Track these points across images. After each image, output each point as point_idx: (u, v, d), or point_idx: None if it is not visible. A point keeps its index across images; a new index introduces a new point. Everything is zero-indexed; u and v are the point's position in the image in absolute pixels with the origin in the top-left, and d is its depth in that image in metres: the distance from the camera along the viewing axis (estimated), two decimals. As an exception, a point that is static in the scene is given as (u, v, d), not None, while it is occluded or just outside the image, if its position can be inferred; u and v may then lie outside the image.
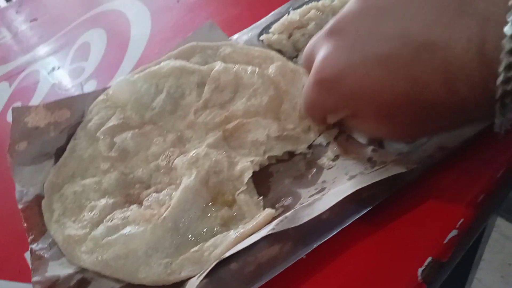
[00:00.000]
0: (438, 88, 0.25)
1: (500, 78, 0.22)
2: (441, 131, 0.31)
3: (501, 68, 0.21)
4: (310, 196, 0.35)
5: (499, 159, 0.34)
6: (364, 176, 0.33)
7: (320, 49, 0.33)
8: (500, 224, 1.23)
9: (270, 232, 0.30)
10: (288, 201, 0.36)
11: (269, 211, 0.34)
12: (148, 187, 0.41)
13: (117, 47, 0.63)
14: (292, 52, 0.50)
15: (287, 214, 0.32)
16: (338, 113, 0.34)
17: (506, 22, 0.20)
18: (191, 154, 0.39)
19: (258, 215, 0.34)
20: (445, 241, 0.31)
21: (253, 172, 0.38)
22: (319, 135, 0.41)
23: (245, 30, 0.56)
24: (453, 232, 0.31)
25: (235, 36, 0.56)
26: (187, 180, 0.37)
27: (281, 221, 0.31)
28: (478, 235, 0.77)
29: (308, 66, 0.35)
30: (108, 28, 0.67)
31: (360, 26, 0.29)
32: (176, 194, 0.36)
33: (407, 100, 0.27)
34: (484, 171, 0.34)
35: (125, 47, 0.62)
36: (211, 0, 0.67)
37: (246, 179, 0.37)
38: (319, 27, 0.49)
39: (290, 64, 0.46)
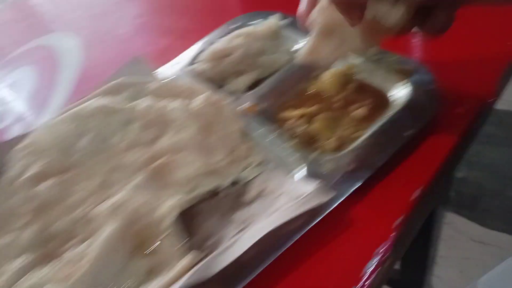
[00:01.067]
0: None
1: None
2: None
3: None
4: (232, 236, 0.35)
5: (411, 185, 0.35)
6: (283, 211, 0.33)
7: None
8: (453, 220, 1.27)
9: (187, 282, 0.30)
10: (213, 241, 0.35)
11: (189, 259, 0.33)
12: (70, 239, 0.38)
13: (46, 86, 0.60)
14: (220, 81, 0.50)
15: (204, 261, 0.32)
16: None
17: None
18: (111, 200, 0.38)
19: (179, 263, 0.33)
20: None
21: (180, 213, 0.38)
22: (246, 169, 0.40)
23: (174, 60, 0.55)
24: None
25: (164, 67, 0.55)
26: (105, 232, 0.35)
27: (198, 269, 0.30)
28: (427, 234, 0.79)
29: None
30: (37, 66, 0.65)
31: None
32: (95, 247, 0.35)
33: None
34: (400, 194, 0.35)
35: (54, 85, 0.60)
36: (142, 30, 0.66)
37: (168, 224, 0.36)
38: (244, 54, 0.49)
39: (215, 95, 0.46)
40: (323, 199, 0.32)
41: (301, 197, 0.33)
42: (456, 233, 1.24)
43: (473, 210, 1.28)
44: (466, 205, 1.29)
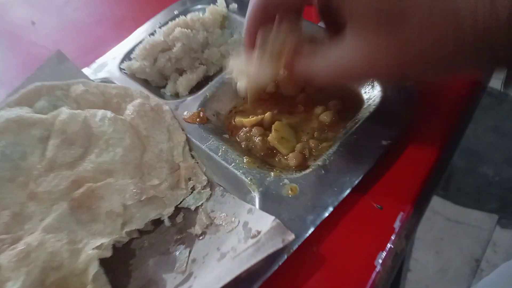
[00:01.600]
0: None
1: None
2: (435, 51, 0.23)
3: None
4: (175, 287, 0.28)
5: (393, 210, 0.29)
6: (234, 260, 0.26)
7: None
8: (428, 200, 1.25)
9: None
10: (151, 292, 0.28)
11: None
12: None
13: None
14: (159, 81, 0.42)
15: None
16: None
17: None
18: (20, 246, 0.30)
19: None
20: None
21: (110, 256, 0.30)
22: (191, 192, 0.33)
23: (106, 55, 0.46)
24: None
25: (94, 65, 0.46)
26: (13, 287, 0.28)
27: None
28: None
29: None
30: None
31: None
32: (-4, 314, 0.27)
33: None
34: (380, 222, 0.28)
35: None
36: (71, 19, 0.56)
37: (91, 275, 0.28)
38: (186, 48, 0.41)
39: (152, 100, 0.38)
40: (279, 243, 0.25)
41: (256, 239, 0.26)
42: (431, 214, 1.22)
43: (447, 189, 1.26)
44: (439, 185, 1.27)
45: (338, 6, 0.25)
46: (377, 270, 0.26)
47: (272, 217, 0.27)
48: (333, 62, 0.26)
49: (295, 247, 0.27)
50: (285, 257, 0.26)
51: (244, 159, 0.32)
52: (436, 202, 1.26)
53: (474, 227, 1.19)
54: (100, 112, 0.36)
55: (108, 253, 0.30)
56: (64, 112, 0.37)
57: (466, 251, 1.16)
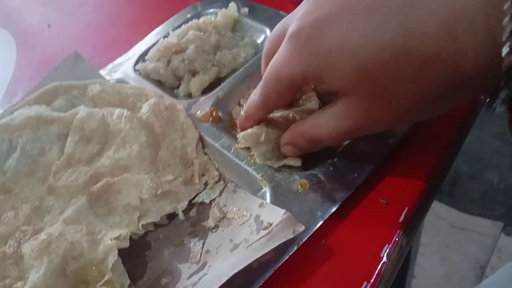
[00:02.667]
0: (433, 35, 0.21)
1: (506, 49, 0.19)
2: (426, 107, 0.25)
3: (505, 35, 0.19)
4: (189, 277, 0.29)
5: (399, 204, 0.30)
6: (247, 249, 0.27)
7: (301, 9, 0.27)
8: (433, 206, 1.25)
9: None
10: (167, 281, 0.30)
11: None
12: (-5, 283, 0.32)
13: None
14: (172, 82, 0.43)
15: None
16: (308, 78, 0.27)
17: None
18: (42, 236, 0.31)
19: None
20: None
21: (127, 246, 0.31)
22: (205, 188, 0.34)
23: (122, 57, 0.48)
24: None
25: (110, 66, 0.48)
26: (35, 276, 0.29)
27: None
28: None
29: (277, 42, 0.29)
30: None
31: None
32: (21, 297, 0.28)
33: (394, 53, 0.22)
34: (386, 216, 0.29)
35: (-18, 90, 0.52)
36: (86, 22, 0.58)
37: (110, 264, 0.29)
38: (199, 50, 0.42)
39: (166, 100, 0.39)
40: (290, 234, 0.26)
41: (267, 230, 0.27)
42: (436, 220, 1.22)
43: (452, 195, 1.26)
44: (444, 191, 1.27)
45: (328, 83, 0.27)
46: (383, 262, 0.27)
47: (283, 210, 0.28)
48: (333, 126, 0.28)
49: (305, 238, 0.28)
50: (295, 248, 0.27)
51: (255, 156, 0.33)
52: (441, 209, 1.26)
53: (479, 234, 1.20)
54: (117, 110, 0.38)
55: (126, 244, 0.31)
56: (83, 110, 0.39)
57: (471, 257, 1.16)
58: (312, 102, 0.34)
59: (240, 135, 0.33)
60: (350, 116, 0.27)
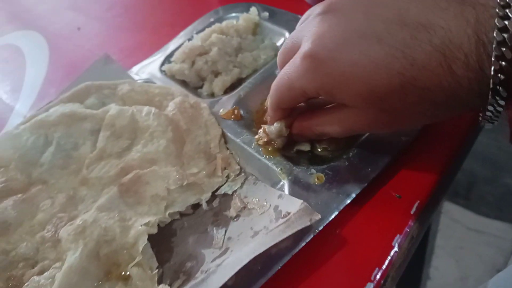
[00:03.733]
0: (436, 68, 0.24)
1: (494, 67, 0.23)
2: (425, 119, 0.30)
3: (494, 45, 0.22)
4: (213, 260, 0.31)
5: (411, 197, 0.32)
6: (267, 235, 0.29)
7: (312, 27, 0.29)
8: (449, 209, 1.25)
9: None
10: (191, 265, 0.32)
11: (162, 290, 0.29)
12: (35, 264, 0.35)
13: (10, 90, 0.55)
14: (196, 82, 0.46)
15: (184, 290, 0.28)
16: (320, 94, 0.30)
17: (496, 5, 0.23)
18: (77, 222, 0.34)
19: (151, 295, 0.29)
20: None
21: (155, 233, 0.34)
22: (227, 180, 0.37)
23: (148, 59, 0.51)
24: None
25: (137, 67, 0.50)
26: (72, 257, 0.32)
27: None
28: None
29: (288, 55, 0.31)
30: (0, 68, 0.60)
31: (357, 6, 0.28)
32: (58, 277, 0.31)
33: (403, 81, 0.25)
34: (398, 208, 0.31)
35: (19, 89, 0.55)
36: (113, 25, 0.61)
37: (141, 247, 0.32)
38: (222, 52, 0.45)
39: (191, 98, 0.42)
40: (307, 222, 0.28)
41: (286, 218, 0.29)
42: (451, 222, 1.22)
43: (468, 198, 1.26)
44: (460, 193, 1.27)
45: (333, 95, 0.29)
46: (395, 251, 0.29)
47: (301, 201, 0.30)
48: (339, 127, 0.31)
49: (321, 227, 0.30)
50: (312, 236, 0.29)
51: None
52: (457, 211, 1.26)
53: (495, 237, 1.19)
54: (145, 108, 0.41)
55: (154, 230, 0.34)
56: (114, 108, 0.42)
57: (487, 260, 1.16)
58: None
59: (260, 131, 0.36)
60: (355, 122, 0.30)
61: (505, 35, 0.22)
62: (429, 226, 0.78)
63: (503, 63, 0.23)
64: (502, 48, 0.22)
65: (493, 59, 0.23)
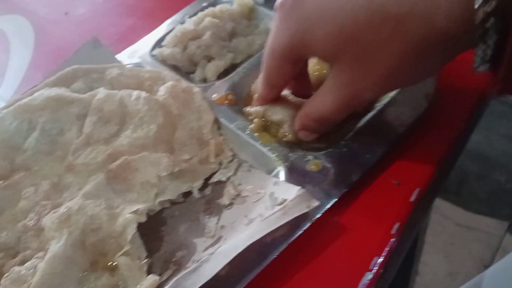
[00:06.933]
0: None
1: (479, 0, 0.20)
2: (410, 67, 0.26)
3: None
4: (205, 250, 0.30)
5: (410, 185, 0.31)
6: (263, 222, 0.28)
7: None
8: (439, 205, 1.25)
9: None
10: (183, 254, 0.31)
11: (151, 280, 0.28)
12: (16, 254, 0.33)
13: (-7, 74, 0.53)
14: (188, 67, 0.44)
15: (175, 280, 0.27)
16: (296, 47, 0.29)
17: None
18: (62, 210, 0.32)
19: (139, 286, 0.28)
20: None
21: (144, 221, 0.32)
22: (220, 168, 0.35)
23: (138, 43, 0.49)
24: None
25: (127, 51, 0.49)
26: (55, 246, 0.30)
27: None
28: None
29: None
30: (-16, 51, 0.58)
31: None
32: (40, 267, 0.29)
33: (369, 13, 0.23)
34: (397, 196, 0.30)
35: (2, 74, 0.53)
36: (102, 10, 0.59)
37: (129, 236, 0.30)
38: (215, 36, 0.43)
39: (183, 83, 0.40)
40: (305, 209, 0.27)
41: (282, 205, 0.28)
42: (441, 218, 1.22)
43: (458, 194, 1.26)
44: (451, 190, 1.27)
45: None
46: (394, 239, 0.28)
47: (298, 187, 0.29)
48: (330, 100, 0.30)
49: (318, 215, 0.29)
50: (309, 224, 0.28)
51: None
52: (447, 208, 1.26)
53: (485, 233, 1.20)
54: (135, 92, 0.39)
55: (143, 218, 0.32)
56: (102, 91, 0.40)
57: (476, 256, 1.17)
58: None
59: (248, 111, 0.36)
60: (340, 87, 0.28)
61: None
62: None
63: None
64: None
65: (476, 6, 0.20)
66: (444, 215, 1.24)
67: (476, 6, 0.20)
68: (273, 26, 0.30)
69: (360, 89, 0.28)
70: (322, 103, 0.30)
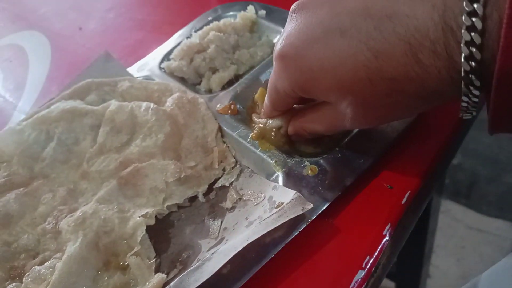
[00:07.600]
0: (401, 58, 0.24)
1: (464, 48, 0.21)
2: (402, 113, 0.29)
3: (463, 30, 0.21)
4: (208, 250, 0.32)
5: (402, 187, 0.32)
6: (260, 224, 0.30)
7: (285, 28, 0.30)
8: (450, 208, 1.25)
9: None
10: (188, 255, 0.33)
11: (158, 278, 0.30)
12: (36, 255, 0.36)
13: (13, 88, 0.57)
14: (194, 79, 0.47)
15: (179, 278, 0.29)
16: (297, 92, 0.31)
17: None
18: (77, 213, 0.35)
19: (148, 283, 0.30)
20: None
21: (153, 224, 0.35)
22: (223, 174, 0.38)
23: (148, 57, 0.52)
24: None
25: (137, 64, 0.51)
26: (71, 247, 0.33)
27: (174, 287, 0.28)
28: (424, 224, 0.77)
29: None
30: (4, 67, 0.61)
31: (324, 1, 0.28)
32: (58, 266, 0.32)
33: (368, 72, 0.25)
34: (389, 199, 0.32)
35: (22, 87, 0.56)
36: (113, 24, 0.62)
37: (139, 238, 0.33)
38: (219, 49, 0.46)
39: (189, 94, 0.43)
40: (300, 211, 0.29)
41: (279, 208, 0.30)
42: (452, 221, 1.22)
43: (469, 197, 1.26)
44: (461, 193, 1.27)
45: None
46: (386, 239, 0.30)
47: (294, 191, 0.31)
48: (325, 124, 0.32)
49: (313, 217, 0.30)
50: (304, 225, 0.30)
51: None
52: (458, 210, 1.26)
53: (496, 236, 1.19)
54: (144, 104, 0.42)
55: (152, 221, 0.34)
56: (113, 103, 0.43)
57: (487, 259, 1.16)
58: None
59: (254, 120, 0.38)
60: (337, 118, 0.31)
61: (474, 19, 0.20)
62: (427, 224, 0.79)
63: (473, 49, 0.21)
64: (471, 33, 0.21)
65: (462, 45, 0.21)
66: (455, 218, 1.24)
67: (462, 67, 0.22)
68: (275, 68, 0.31)
69: (356, 123, 0.30)
70: (318, 123, 0.33)
